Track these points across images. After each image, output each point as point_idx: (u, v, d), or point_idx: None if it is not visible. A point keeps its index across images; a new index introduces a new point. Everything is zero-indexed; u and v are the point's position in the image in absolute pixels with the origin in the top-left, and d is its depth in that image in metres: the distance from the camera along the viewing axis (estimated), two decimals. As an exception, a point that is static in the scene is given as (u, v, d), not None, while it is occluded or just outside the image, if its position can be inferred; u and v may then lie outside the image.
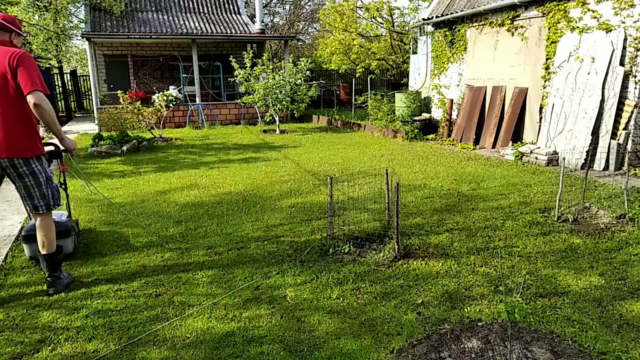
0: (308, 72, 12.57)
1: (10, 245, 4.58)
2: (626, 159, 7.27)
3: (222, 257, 4.18)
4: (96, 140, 10.12)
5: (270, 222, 5.12)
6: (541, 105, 8.85)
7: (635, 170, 7.03)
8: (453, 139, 10.48)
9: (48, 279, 3.57)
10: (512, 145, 8.93)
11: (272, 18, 31.82)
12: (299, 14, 31.23)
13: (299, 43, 30.26)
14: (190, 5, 18.11)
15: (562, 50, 8.27)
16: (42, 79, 3.29)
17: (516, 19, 9.32)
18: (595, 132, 7.50)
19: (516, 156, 8.23)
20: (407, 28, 18.00)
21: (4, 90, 3.26)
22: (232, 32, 17.01)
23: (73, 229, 4.34)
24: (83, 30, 15.49)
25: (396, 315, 3.13)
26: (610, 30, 7.46)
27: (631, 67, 7.23)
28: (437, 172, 7.37)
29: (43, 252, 3.57)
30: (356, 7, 18.45)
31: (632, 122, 7.19)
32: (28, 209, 3.58)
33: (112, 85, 16.36)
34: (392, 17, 17.84)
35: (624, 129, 7.28)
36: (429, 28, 12.43)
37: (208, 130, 13.63)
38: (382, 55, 18.31)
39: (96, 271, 3.94)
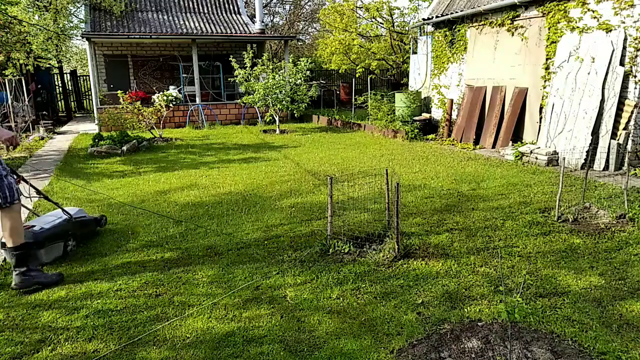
0: (308, 72, 12.57)
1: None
2: (626, 159, 7.27)
3: (222, 257, 4.18)
4: (96, 140, 10.12)
5: (270, 222, 5.12)
6: (541, 105, 8.85)
7: (635, 170, 7.03)
8: (453, 139, 10.48)
9: (14, 272, 3.59)
10: (512, 145, 8.93)
11: (272, 18, 31.82)
12: (299, 14, 31.22)
13: (299, 43, 30.25)
14: (190, 5, 18.11)
15: (562, 50, 8.27)
16: None
17: (516, 19, 9.32)
18: (595, 132, 7.50)
19: (516, 156, 8.23)
20: (407, 28, 18.00)
21: None
22: (232, 32, 17.01)
23: (50, 239, 4.10)
24: (83, 30, 15.49)
25: (396, 315, 3.13)
26: (610, 30, 7.46)
27: (631, 67, 7.23)
28: (437, 172, 7.37)
29: (8, 245, 3.60)
30: (356, 7, 18.46)
31: (632, 122, 7.19)
32: None
33: (112, 85, 16.35)
34: (392, 17, 17.84)
35: (624, 129, 7.28)
36: (429, 28, 12.43)
37: (208, 130, 13.63)
38: (382, 55, 18.31)
39: (96, 271, 3.94)
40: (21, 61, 11.40)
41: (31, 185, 4.20)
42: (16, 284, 3.58)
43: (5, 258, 4.26)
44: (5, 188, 3.53)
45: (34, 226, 4.05)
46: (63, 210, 4.44)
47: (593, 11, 7.72)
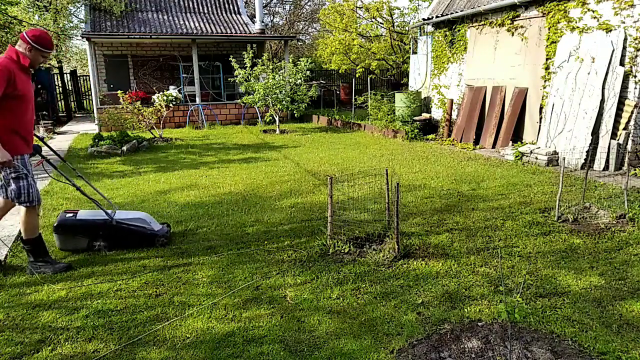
0: (308, 72, 12.57)
1: (10, 245, 4.58)
2: (626, 159, 7.27)
3: (222, 257, 4.18)
4: (96, 140, 10.12)
5: (270, 222, 5.11)
6: (541, 105, 8.85)
7: (635, 170, 7.03)
8: (453, 139, 10.48)
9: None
10: (512, 145, 8.93)
11: (272, 18, 31.82)
12: (299, 14, 31.22)
13: (299, 43, 30.25)
14: (190, 5, 18.10)
15: (562, 50, 8.27)
16: None
17: (516, 19, 9.32)
18: (595, 132, 7.50)
19: (516, 156, 8.22)
20: (407, 28, 18.00)
21: None
22: (232, 32, 17.01)
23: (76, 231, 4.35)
24: (83, 30, 15.49)
25: (396, 315, 3.13)
26: (610, 30, 7.46)
27: (631, 67, 7.23)
28: (437, 172, 7.37)
29: (23, 237, 3.99)
30: (356, 7, 18.46)
31: (632, 122, 7.19)
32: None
33: (112, 85, 16.35)
34: (392, 17, 17.84)
35: (624, 129, 7.28)
36: (429, 28, 12.43)
37: (208, 130, 13.63)
38: (382, 55, 18.30)
39: (96, 271, 3.94)
40: (21, 61, 11.37)
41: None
42: (28, 271, 3.96)
43: (5, 257, 4.27)
44: (22, 189, 3.79)
45: (76, 213, 4.46)
46: (104, 211, 4.48)
47: (593, 11, 7.72)
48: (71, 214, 4.43)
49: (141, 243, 4.43)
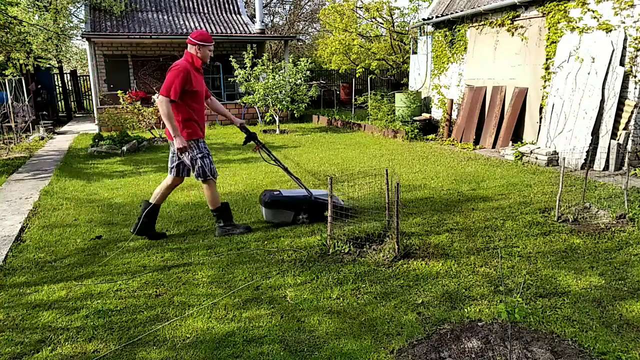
0: (308, 72, 12.57)
1: (10, 245, 4.58)
2: (626, 159, 7.27)
3: (222, 257, 4.18)
4: (96, 140, 10.12)
5: (270, 222, 5.11)
6: (541, 105, 8.85)
7: (635, 170, 7.03)
8: (453, 139, 10.48)
9: (217, 224, 4.75)
10: (512, 145, 8.93)
11: (272, 18, 31.82)
12: (299, 14, 31.23)
13: (299, 43, 30.25)
14: (190, 5, 18.10)
15: (562, 50, 8.27)
16: (171, 86, 4.18)
17: (516, 19, 9.32)
18: (595, 132, 7.50)
19: (516, 156, 8.22)
20: (407, 28, 18.00)
21: None
22: (232, 32, 17.01)
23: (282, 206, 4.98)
24: (83, 30, 15.50)
25: (396, 315, 3.13)
26: (610, 30, 7.46)
27: (631, 67, 7.23)
28: (437, 172, 7.37)
29: (210, 207, 4.72)
30: (356, 7, 18.45)
31: (632, 122, 7.19)
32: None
33: (112, 85, 16.35)
34: (392, 17, 17.84)
35: (624, 129, 7.28)
36: (429, 28, 12.43)
37: (208, 130, 13.63)
38: (382, 55, 18.30)
39: (96, 271, 3.94)
40: (21, 61, 11.40)
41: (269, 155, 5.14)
42: (217, 234, 4.70)
43: (5, 257, 4.27)
44: (199, 168, 4.46)
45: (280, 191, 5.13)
46: (305, 188, 5.08)
47: (593, 11, 7.72)
48: (277, 192, 5.10)
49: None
